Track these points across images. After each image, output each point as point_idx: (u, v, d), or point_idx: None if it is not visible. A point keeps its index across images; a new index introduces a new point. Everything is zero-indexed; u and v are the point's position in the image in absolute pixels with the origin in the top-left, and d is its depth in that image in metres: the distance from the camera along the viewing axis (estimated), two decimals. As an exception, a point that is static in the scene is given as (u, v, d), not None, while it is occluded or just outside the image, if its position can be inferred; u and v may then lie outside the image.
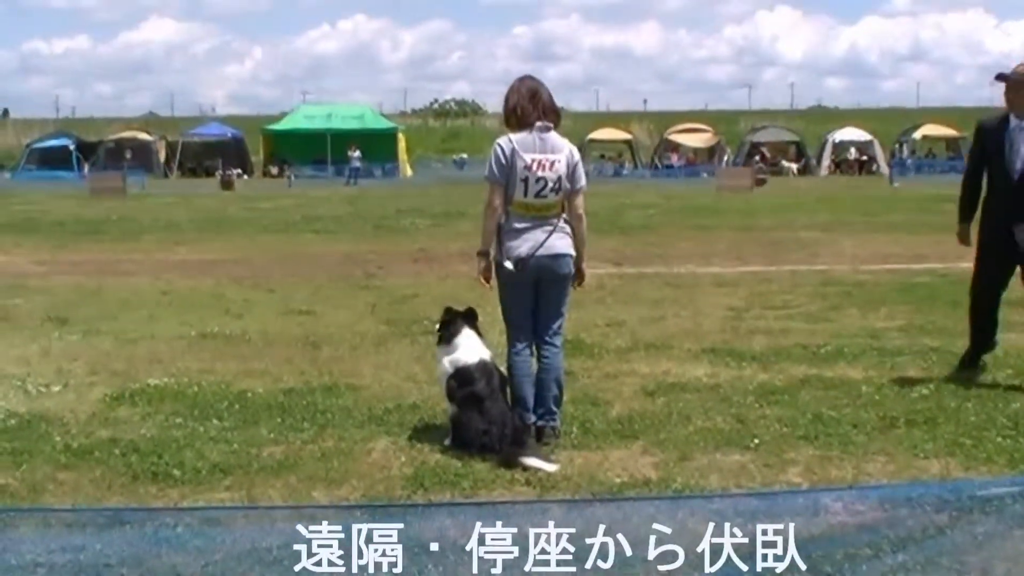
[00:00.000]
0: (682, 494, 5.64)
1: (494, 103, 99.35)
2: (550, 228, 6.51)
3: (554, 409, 6.69)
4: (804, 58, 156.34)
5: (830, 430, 6.77)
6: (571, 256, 6.62)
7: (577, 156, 6.63)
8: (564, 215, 6.59)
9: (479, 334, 6.86)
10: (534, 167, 6.40)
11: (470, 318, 6.93)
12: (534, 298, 6.66)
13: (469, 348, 6.72)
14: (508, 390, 6.71)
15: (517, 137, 6.49)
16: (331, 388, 8.09)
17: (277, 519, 5.33)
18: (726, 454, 6.35)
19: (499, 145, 6.53)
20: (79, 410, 7.54)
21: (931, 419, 6.97)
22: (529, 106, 6.50)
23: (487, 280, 6.72)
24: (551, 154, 6.45)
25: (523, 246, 6.48)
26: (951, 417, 7.02)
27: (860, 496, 5.39)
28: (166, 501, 5.64)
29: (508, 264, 6.51)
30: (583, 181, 6.64)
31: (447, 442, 6.50)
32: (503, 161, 6.44)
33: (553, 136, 6.52)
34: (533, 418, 6.63)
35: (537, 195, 6.44)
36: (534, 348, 6.76)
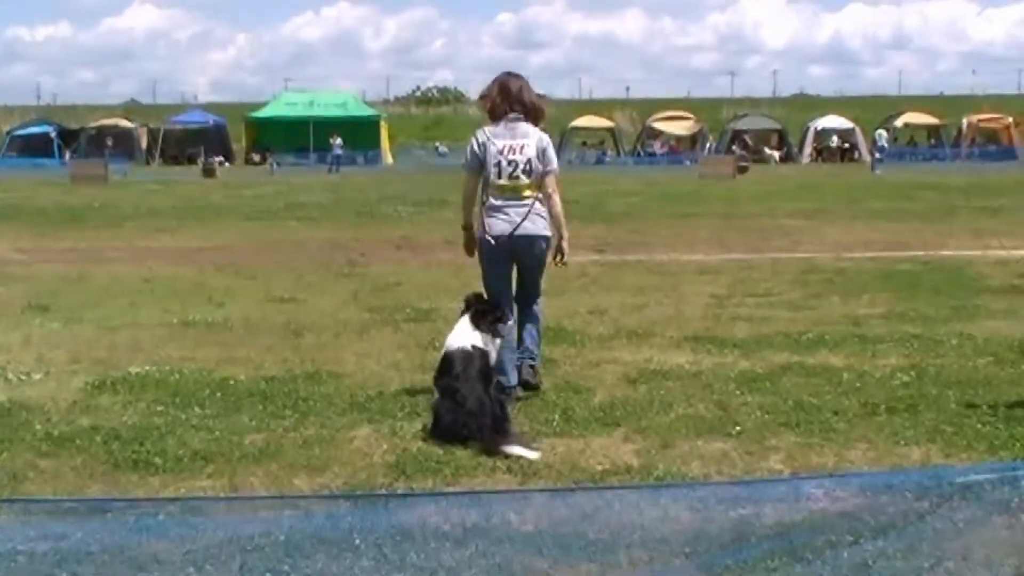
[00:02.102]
0: (664, 481, 5.65)
1: (477, 90, 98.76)
2: (525, 210, 7.28)
3: (534, 351, 7.46)
4: (787, 46, 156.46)
5: (811, 417, 6.78)
6: (545, 237, 7.38)
7: (546, 141, 7.43)
8: (539, 196, 7.35)
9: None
10: (505, 151, 7.26)
11: (473, 305, 7.09)
12: (511, 270, 7.45)
13: (456, 334, 6.83)
14: (492, 378, 6.78)
15: (490, 128, 7.39)
16: (313, 376, 8.08)
17: (259, 507, 5.33)
18: (708, 441, 6.36)
19: (475, 136, 7.45)
20: (60, 398, 7.50)
21: (912, 406, 6.99)
22: (499, 100, 7.38)
23: (471, 253, 7.59)
24: (520, 139, 7.30)
25: (500, 225, 7.28)
26: (932, 404, 7.04)
27: (841, 483, 5.40)
28: (147, 489, 5.62)
29: (488, 239, 7.29)
30: (554, 164, 7.44)
31: (429, 429, 6.49)
32: (476, 149, 7.36)
33: (522, 125, 7.36)
34: (513, 382, 7.28)
35: (510, 176, 7.25)
36: (515, 312, 7.45)
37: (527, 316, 7.52)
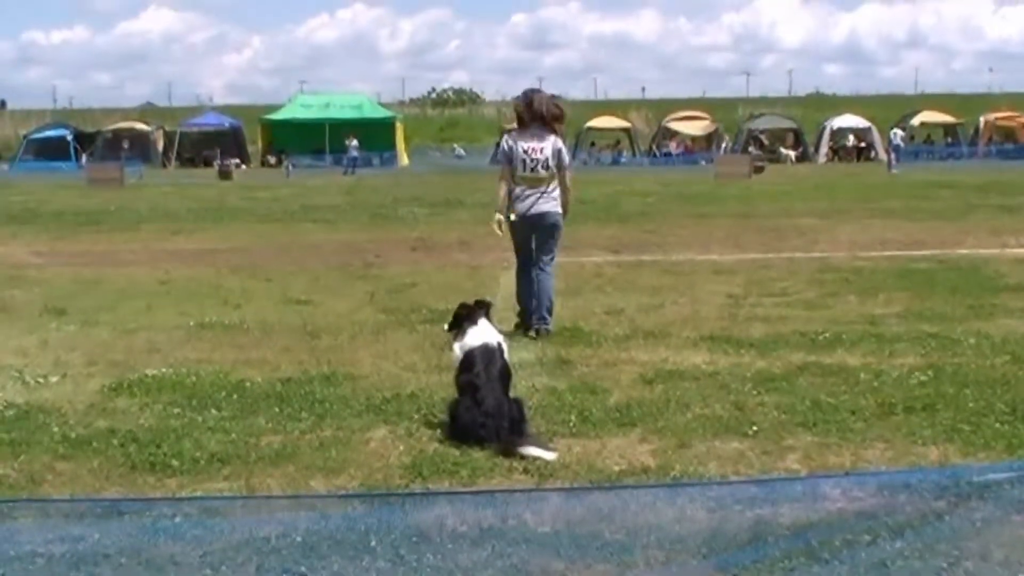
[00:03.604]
0: (680, 481, 5.63)
1: (492, 92, 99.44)
2: (540, 194, 9.57)
3: (547, 316, 9.63)
4: (803, 45, 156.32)
5: (828, 417, 6.76)
6: (556, 213, 9.70)
7: (560, 144, 9.73)
8: (553, 185, 9.61)
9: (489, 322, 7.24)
10: (529, 151, 9.55)
11: (482, 308, 7.30)
12: (532, 240, 9.70)
13: (477, 333, 6.92)
14: (511, 378, 6.86)
15: (516, 133, 9.77)
16: (329, 377, 8.08)
17: (275, 508, 5.34)
18: (724, 441, 6.35)
19: (505, 139, 9.93)
20: (77, 400, 7.53)
21: (929, 405, 6.96)
22: (526, 113, 9.67)
23: (500, 231, 9.74)
24: (540, 143, 9.57)
25: (523, 206, 9.59)
26: (949, 403, 7.01)
27: (858, 482, 5.39)
28: (164, 491, 5.63)
29: (514, 216, 9.64)
30: (567, 161, 9.83)
31: (446, 429, 6.48)
32: (506, 150, 9.76)
33: (542, 131, 9.58)
34: (533, 319, 9.51)
35: (531, 171, 9.56)
36: (533, 273, 9.60)
37: (542, 284, 9.61)
